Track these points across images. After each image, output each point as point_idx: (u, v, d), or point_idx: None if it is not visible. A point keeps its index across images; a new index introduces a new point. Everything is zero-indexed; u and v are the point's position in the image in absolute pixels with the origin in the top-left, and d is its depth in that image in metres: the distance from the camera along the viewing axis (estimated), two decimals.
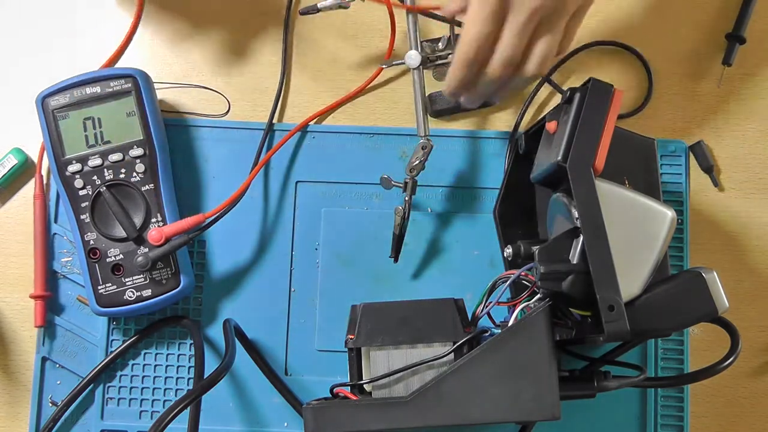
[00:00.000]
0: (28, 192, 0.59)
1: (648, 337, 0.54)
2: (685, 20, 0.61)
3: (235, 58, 0.61)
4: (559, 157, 0.43)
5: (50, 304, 0.56)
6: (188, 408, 0.47)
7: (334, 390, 0.48)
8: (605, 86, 0.45)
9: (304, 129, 0.59)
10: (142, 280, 0.54)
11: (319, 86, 0.60)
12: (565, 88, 0.58)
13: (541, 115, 0.56)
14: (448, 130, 0.59)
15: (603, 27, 0.61)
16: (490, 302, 0.47)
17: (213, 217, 0.54)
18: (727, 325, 0.47)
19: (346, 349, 0.47)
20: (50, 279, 0.57)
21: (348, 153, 0.58)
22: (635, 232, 0.43)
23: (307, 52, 0.61)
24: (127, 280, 0.54)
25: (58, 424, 0.55)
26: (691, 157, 0.58)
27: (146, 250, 0.54)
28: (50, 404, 0.56)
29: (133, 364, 0.56)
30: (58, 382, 0.56)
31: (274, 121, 0.59)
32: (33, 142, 0.59)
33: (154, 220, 0.54)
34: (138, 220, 0.54)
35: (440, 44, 0.56)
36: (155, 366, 0.56)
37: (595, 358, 0.51)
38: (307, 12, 0.56)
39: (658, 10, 0.61)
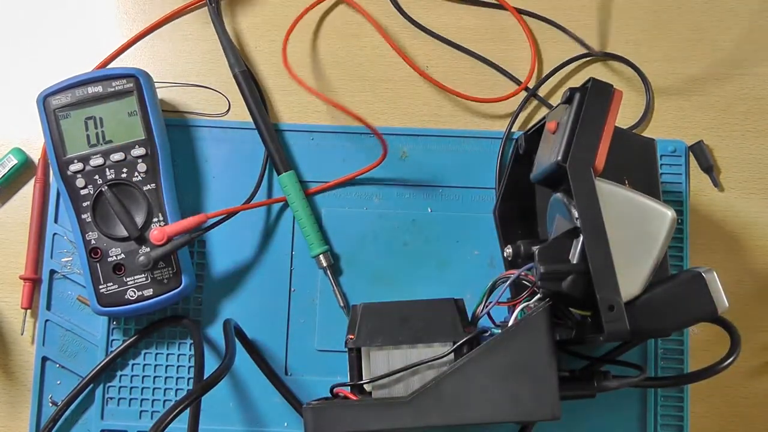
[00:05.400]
0: (28, 192, 0.59)
1: (648, 337, 0.54)
2: (684, 21, 0.61)
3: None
4: (559, 157, 0.43)
5: (50, 304, 0.57)
6: (188, 408, 0.47)
7: (334, 390, 0.48)
8: (605, 86, 0.44)
9: (301, 129, 0.59)
10: (144, 279, 0.54)
11: (320, 86, 0.60)
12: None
13: (541, 115, 0.56)
14: (448, 130, 0.59)
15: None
16: (490, 302, 0.47)
17: (217, 219, 0.54)
18: (727, 325, 0.47)
19: (346, 349, 0.47)
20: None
21: (348, 153, 0.58)
22: (635, 232, 0.43)
23: (306, 52, 0.61)
24: (128, 279, 0.54)
25: (58, 424, 0.55)
26: (691, 157, 0.58)
27: (148, 249, 0.54)
28: (50, 404, 0.56)
29: (133, 364, 0.56)
30: (58, 382, 0.56)
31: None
32: (33, 141, 0.60)
33: (155, 219, 0.54)
34: (140, 220, 0.54)
35: None
36: (155, 366, 0.56)
37: (595, 358, 0.51)
38: None
39: (656, 12, 0.61)
